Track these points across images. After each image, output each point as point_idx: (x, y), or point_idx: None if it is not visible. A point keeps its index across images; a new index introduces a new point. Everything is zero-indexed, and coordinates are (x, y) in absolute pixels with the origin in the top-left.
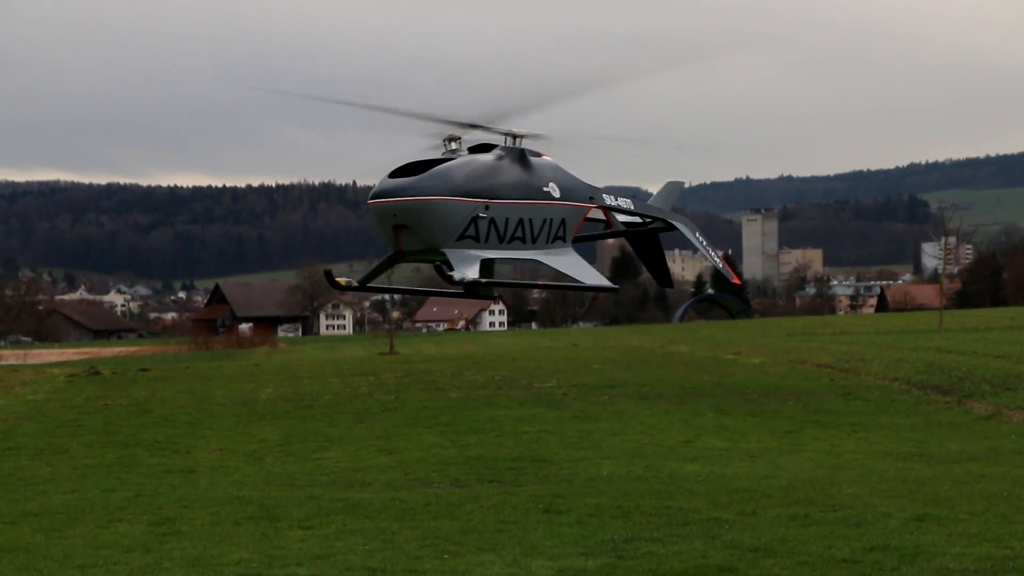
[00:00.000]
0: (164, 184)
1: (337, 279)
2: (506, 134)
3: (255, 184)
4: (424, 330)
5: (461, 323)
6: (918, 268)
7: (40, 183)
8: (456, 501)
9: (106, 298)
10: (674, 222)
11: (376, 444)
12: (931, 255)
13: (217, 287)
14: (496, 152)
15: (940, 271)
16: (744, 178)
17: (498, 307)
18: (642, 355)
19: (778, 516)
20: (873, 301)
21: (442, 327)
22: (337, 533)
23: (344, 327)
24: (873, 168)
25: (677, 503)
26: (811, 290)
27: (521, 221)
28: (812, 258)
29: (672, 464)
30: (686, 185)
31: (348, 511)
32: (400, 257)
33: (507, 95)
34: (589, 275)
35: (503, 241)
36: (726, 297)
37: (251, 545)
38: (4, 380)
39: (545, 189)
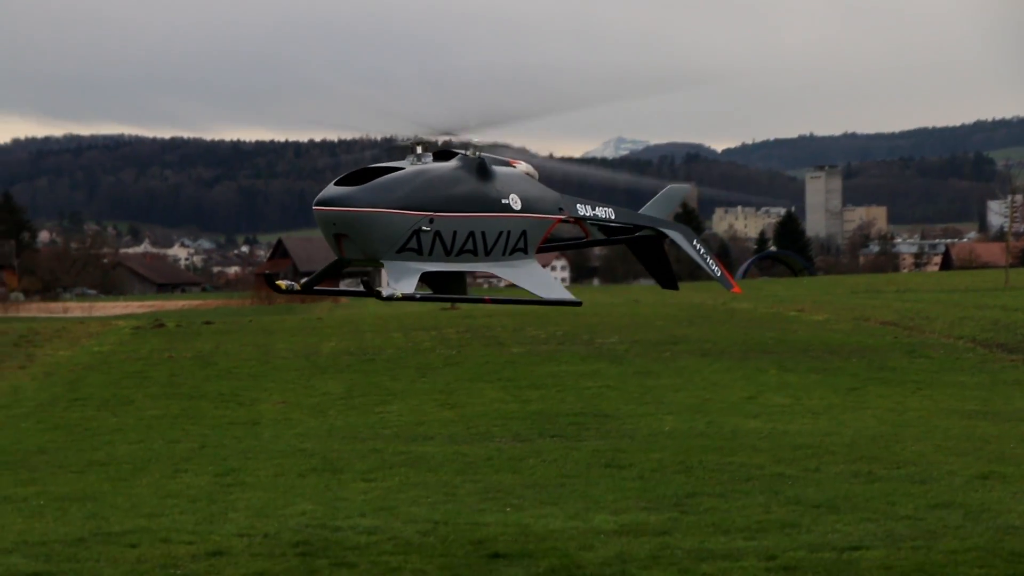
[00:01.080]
0: (227, 138)
1: (278, 282)
2: (469, 145)
3: (317, 139)
4: (485, 286)
5: None
6: (983, 226)
7: (105, 137)
8: (518, 455)
9: (170, 252)
10: (666, 231)
11: (438, 398)
12: (997, 213)
13: (280, 241)
14: (455, 161)
15: (1006, 229)
16: (808, 135)
17: (560, 263)
18: (704, 312)
19: (841, 473)
20: (938, 259)
21: (503, 283)
22: (400, 486)
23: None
24: (939, 125)
25: (739, 459)
26: (875, 248)
27: (472, 234)
28: (876, 216)
29: (734, 420)
30: (686, 189)
31: (410, 464)
32: (344, 264)
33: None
34: (548, 288)
35: (450, 254)
36: (789, 254)
37: (314, 496)
38: (71, 332)
39: (504, 201)
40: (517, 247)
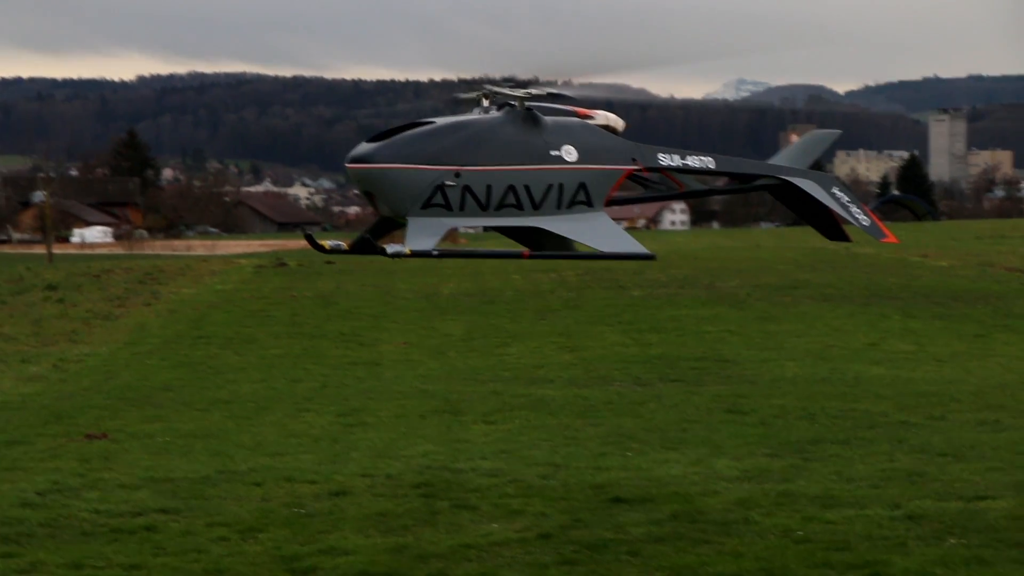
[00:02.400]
0: (348, 77)
1: (321, 242)
2: (524, 96)
3: (437, 79)
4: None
5: (641, 221)
6: None
7: (227, 75)
8: (638, 399)
9: (290, 190)
10: (791, 179)
11: (558, 341)
12: None
13: None
14: (500, 113)
15: None
16: (932, 77)
17: (679, 206)
18: (826, 256)
19: (967, 421)
20: None
21: (623, 224)
22: (520, 428)
23: None
24: None
25: (863, 406)
26: (1000, 192)
27: (512, 188)
28: (1002, 160)
29: (857, 367)
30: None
31: (531, 407)
32: (389, 220)
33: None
34: (611, 242)
35: (487, 209)
36: (912, 199)
37: (436, 438)
38: (193, 270)
39: (554, 152)
40: (576, 200)
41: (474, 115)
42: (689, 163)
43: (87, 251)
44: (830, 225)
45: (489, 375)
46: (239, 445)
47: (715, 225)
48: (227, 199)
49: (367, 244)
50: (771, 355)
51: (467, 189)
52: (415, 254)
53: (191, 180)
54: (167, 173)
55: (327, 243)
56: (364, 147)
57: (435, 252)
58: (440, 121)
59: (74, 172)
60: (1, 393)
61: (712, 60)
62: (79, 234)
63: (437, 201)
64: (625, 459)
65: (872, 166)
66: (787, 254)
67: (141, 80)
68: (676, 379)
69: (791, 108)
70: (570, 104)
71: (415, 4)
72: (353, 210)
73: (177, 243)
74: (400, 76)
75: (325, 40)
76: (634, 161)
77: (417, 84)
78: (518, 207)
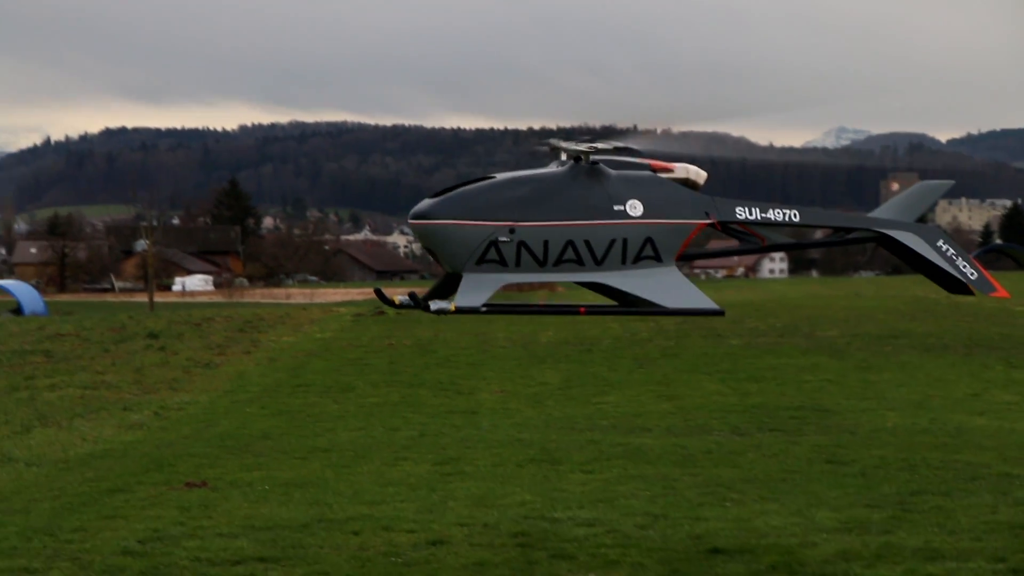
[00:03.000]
0: (447, 126)
1: (392, 297)
2: (585, 150)
3: (536, 127)
4: (703, 276)
5: (740, 270)
6: None
7: (328, 124)
8: (737, 449)
9: (389, 239)
10: (890, 232)
11: (656, 390)
12: None
13: None
14: (563, 167)
15: None
16: None
17: (778, 254)
18: (927, 305)
19: None
20: None
21: (720, 273)
22: (618, 477)
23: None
24: None
25: (965, 457)
26: None
27: (571, 243)
28: None
29: (959, 417)
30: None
31: (629, 456)
32: (454, 276)
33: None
34: (676, 298)
35: (545, 265)
36: (1015, 247)
37: (533, 487)
38: (293, 318)
39: (618, 207)
40: (643, 255)
41: (537, 170)
42: (770, 216)
43: (188, 299)
44: (945, 277)
45: (586, 424)
46: (337, 493)
47: (814, 273)
48: (327, 247)
49: (415, 300)
50: (871, 405)
51: (522, 244)
52: (460, 310)
53: (291, 229)
54: (268, 222)
55: (397, 298)
56: (424, 203)
57: (483, 308)
58: (500, 176)
59: (176, 221)
60: (103, 441)
61: (811, 108)
62: (180, 282)
63: (491, 257)
64: (724, 509)
65: (974, 215)
66: (887, 303)
67: (243, 129)
68: (775, 429)
69: (892, 156)
70: (637, 157)
71: (515, 54)
72: None
73: (277, 291)
74: (499, 125)
75: (425, 90)
76: (707, 215)
77: (516, 132)
78: (579, 262)
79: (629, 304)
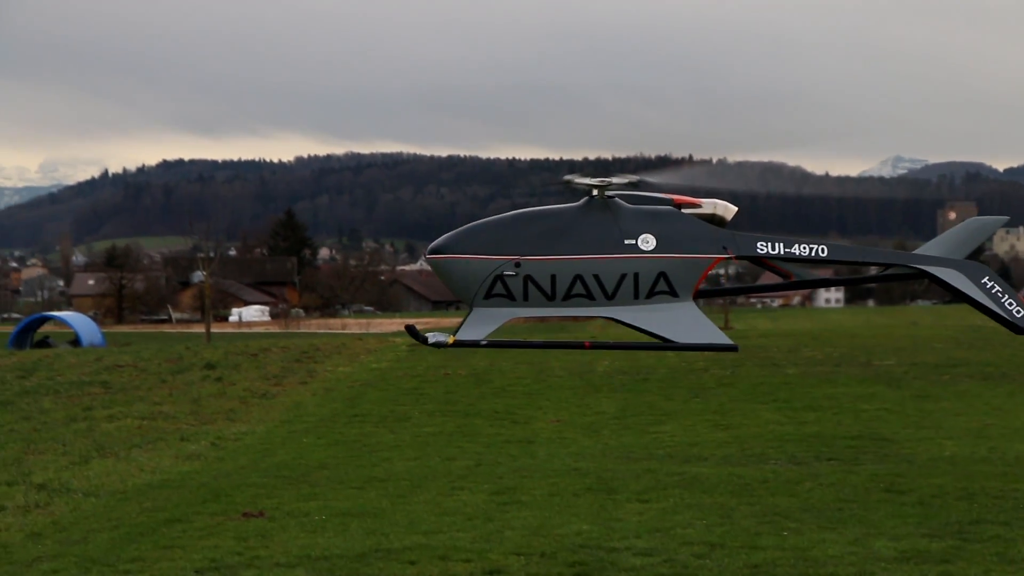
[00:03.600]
0: (502, 157)
1: (426, 334)
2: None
3: (591, 157)
4: (759, 305)
5: (797, 299)
6: None
7: (384, 155)
8: (794, 478)
9: None
10: (929, 269)
11: (712, 419)
12: None
13: None
14: (582, 202)
15: None
16: None
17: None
18: (985, 334)
19: None
20: None
21: (777, 302)
22: (675, 507)
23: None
24: None
25: None
26: None
27: (580, 277)
28: None
29: (1018, 446)
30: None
31: (685, 485)
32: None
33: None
34: (687, 332)
35: (553, 299)
36: None
37: (590, 516)
38: (349, 348)
39: (629, 242)
40: (657, 290)
41: (550, 206)
42: (795, 251)
43: (245, 330)
44: (992, 314)
45: (643, 453)
46: (394, 523)
47: (871, 303)
48: (382, 278)
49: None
50: (929, 434)
51: (529, 279)
52: (459, 344)
53: (347, 259)
54: (323, 252)
55: (431, 337)
56: (440, 238)
57: (483, 342)
58: (515, 212)
59: (233, 252)
60: (160, 471)
61: (867, 136)
62: (237, 313)
63: (499, 291)
64: (781, 539)
65: None
66: (945, 332)
67: (299, 161)
68: (832, 458)
69: (949, 185)
70: (657, 191)
71: (569, 84)
72: None
73: (333, 322)
74: (555, 155)
75: (480, 120)
76: (725, 249)
77: (571, 163)
78: (589, 297)
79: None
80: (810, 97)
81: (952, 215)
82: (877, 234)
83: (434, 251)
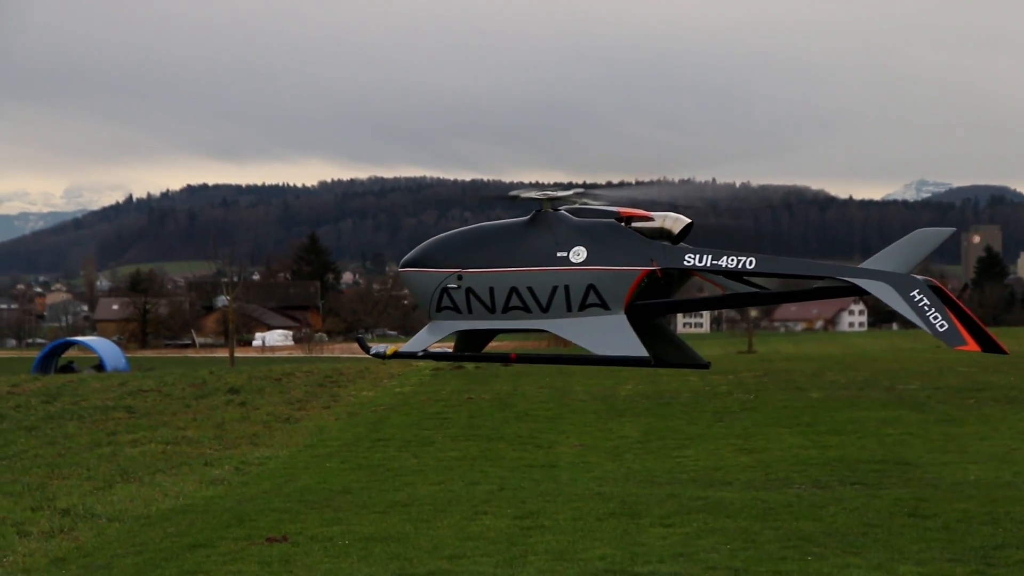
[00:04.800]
0: (525, 180)
1: (370, 346)
2: (546, 197)
3: (615, 180)
4: (782, 329)
5: (819, 323)
6: None
7: (407, 179)
8: (818, 502)
9: None
10: (856, 282)
11: (736, 443)
12: None
13: None
14: (528, 216)
15: None
16: None
17: (858, 307)
18: (1010, 358)
19: None
20: None
21: (800, 326)
22: (698, 531)
23: (701, 325)
24: None
25: None
26: None
27: (515, 290)
28: None
29: None
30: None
31: (709, 510)
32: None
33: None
34: (608, 345)
35: (494, 312)
36: None
37: (613, 541)
38: (373, 373)
39: (560, 254)
40: (588, 303)
41: (498, 221)
42: (721, 263)
43: (268, 354)
44: (978, 332)
45: (666, 477)
46: (417, 548)
47: (894, 326)
48: (405, 302)
49: (361, 344)
50: (953, 458)
51: (470, 291)
52: (398, 355)
53: (370, 283)
54: (347, 277)
55: (372, 348)
56: (408, 253)
57: (420, 353)
58: (467, 227)
59: (256, 277)
60: (184, 496)
61: (890, 160)
62: (260, 337)
63: (446, 304)
64: (805, 563)
65: None
66: (969, 356)
67: (323, 185)
68: (856, 482)
69: (973, 209)
70: (595, 206)
71: (591, 107)
72: None
73: (356, 346)
74: (577, 179)
75: (503, 144)
76: (652, 262)
77: (594, 186)
78: (525, 309)
79: (667, 351)
80: (833, 121)
81: (977, 239)
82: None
83: (402, 265)
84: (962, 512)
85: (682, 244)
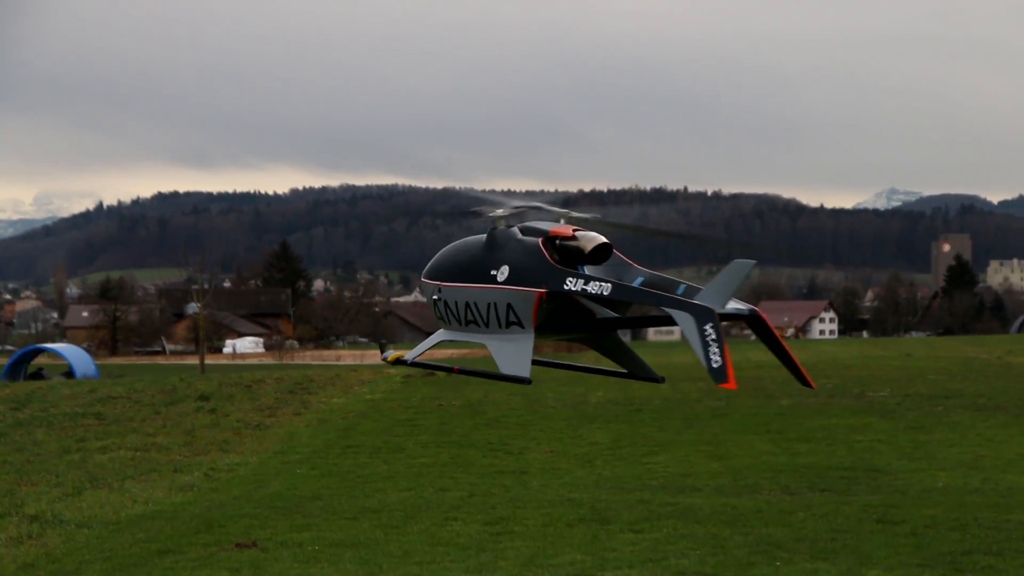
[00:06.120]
0: (497, 188)
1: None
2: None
3: (587, 189)
4: (753, 337)
5: (791, 330)
6: None
7: (379, 187)
8: (787, 508)
9: None
10: (669, 310)
11: (705, 450)
12: None
13: None
14: (486, 233)
15: None
16: None
17: (828, 315)
18: (978, 366)
19: None
20: None
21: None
22: (668, 537)
23: (671, 332)
24: None
25: (1017, 517)
26: None
27: (468, 305)
28: None
29: (1011, 477)
30: (753, 263)
31: (678, 516)
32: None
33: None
34: (507, 364)
35: (462, 324)
36: None
37: (583, 547)
38: (343, 380)
39: (492, 272)
40: (511, 320)
41: (472, 237)
42: (589, 289)
43: (239, 361)
44: (790, 364)
45: (636, 484)
46: (387, 554)
47: (864, 334)
48: (377, 309)
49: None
50: (922, 465)
51: (446, 304)
52: (397, 362)
53: (342, 291)
54: (318, 284)
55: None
56: None
57: (408, 360)
58: (456, 241)
59: (227, 284)
60: (154, 502)
61: (861, 169)
62: (231, 345)
63: (439, 313)
64: (774, 568)
65: None
66: (939, 363)
67: (294, 193)
68: (825, 488)
69: (943, 218)
70: (539, 226)
71: (563, 116)
72: None
73: (327, 353)
74: (550, 187)
75: (475, 153)
76: (544, 284)
77: (567, 195)
78: (477, 324)
79: (623, 359)
80: (803, 130)
81: (947, 247)
82: (871, 266)
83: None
84: (930, 518)
85: (570, 268)
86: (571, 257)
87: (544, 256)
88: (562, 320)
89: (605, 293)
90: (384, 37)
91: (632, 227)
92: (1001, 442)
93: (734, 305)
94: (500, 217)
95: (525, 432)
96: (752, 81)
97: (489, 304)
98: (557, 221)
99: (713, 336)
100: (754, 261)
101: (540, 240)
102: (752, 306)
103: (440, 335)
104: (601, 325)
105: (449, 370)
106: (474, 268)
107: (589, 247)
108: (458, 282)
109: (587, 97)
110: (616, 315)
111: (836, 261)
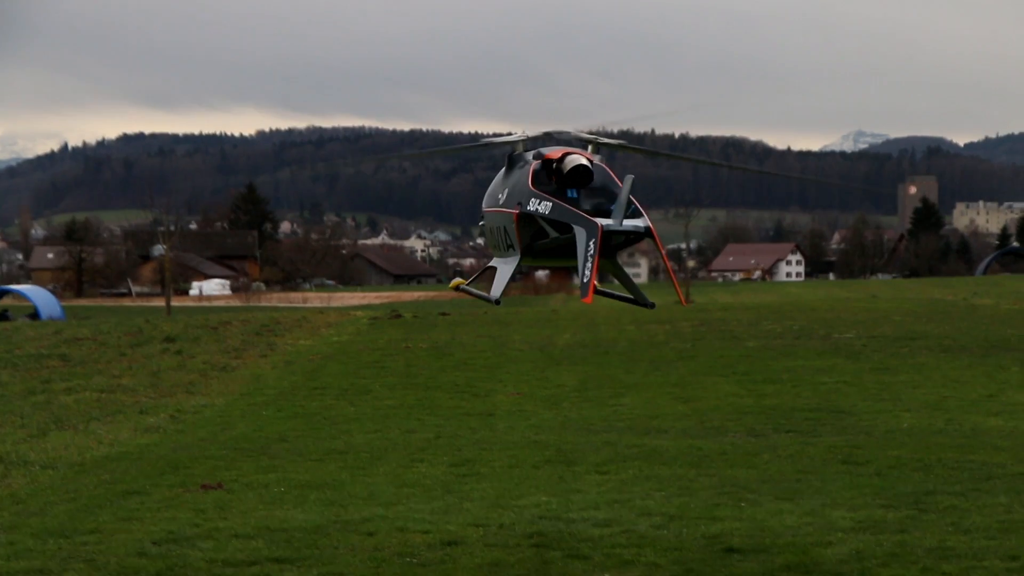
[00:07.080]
0: (464, 131)
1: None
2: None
3: (553, 131)
4: (719, 279)
5: (757, 272)
6: None
7: (346, 129)
8: (753, 450)
9: (406, 243)
10: (573, 224)
11: (672, 392)
12: None
13: None
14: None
15: None
16: None
17: (795, 257)
18: (943, 307)
19: None
20: None
21: (737, 276)
22: (634, 478)
23: (639, 276)
24: None
25: (980, 457)
26: None
27: (491, 230)
28: None
29: (974, 418)
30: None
31: (644, 457)
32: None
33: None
34: (495, 285)
35: (496, 250)
36: None
37: (549, 488)
38: (310, 322)
39: (500, 196)
40: (507, 243)
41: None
42: (539, 209)
43: (205, 303)
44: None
45: (602, 425)
46: (353, 495)
47: (831, 276)
48: (344, 252)
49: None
50: (887, 406)
51: (485, 230)
52: (459, 289)
53: (308, 233)
54: (285, 226)
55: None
56: None
57: (461, 287)
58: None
59: (193, 226)
60: (119, 444)
61: (827, 110)
62: (197, 287)
63: (485, 241)
64: (739, 509)
65: (992, 218)
66: (904, 305)
67: (261, 135)
68: (791, 430)
69: (910, 160)
70: (548, 147)
71: (529, 60)
72: (468, 262)
73: (294, 295)
74: (517, 129)
75: (441, 95)
76: (518, 205)
77: (534, 138)
78: (499, 248)
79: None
80: (769, 72)
81: (913, 189)
82: (838, 209)
83: None
84: (895, 459)
85: (543, 191)
86: (564, 181)
87: (527, 178)
88: (544, 243)
89: (546, 213)
90: None
91: (649, 151)
92: (965, 383)
93: (632, 222)
94: (518, 141)
95: (492, 374)
96: (719, 24)
97: (496, 228)
98: (585, 146)
99: (592, 252)
100: (631, 176)
101: (535, 163)
102: (649, 224)
103: (493, 262)
104: (569, 249)
105: (497, 302)
106: (495, 193)
107: (567, 168)
108: (487, 208)
109: (554, 39)
110: (566, 236)
111: (803, 203)
